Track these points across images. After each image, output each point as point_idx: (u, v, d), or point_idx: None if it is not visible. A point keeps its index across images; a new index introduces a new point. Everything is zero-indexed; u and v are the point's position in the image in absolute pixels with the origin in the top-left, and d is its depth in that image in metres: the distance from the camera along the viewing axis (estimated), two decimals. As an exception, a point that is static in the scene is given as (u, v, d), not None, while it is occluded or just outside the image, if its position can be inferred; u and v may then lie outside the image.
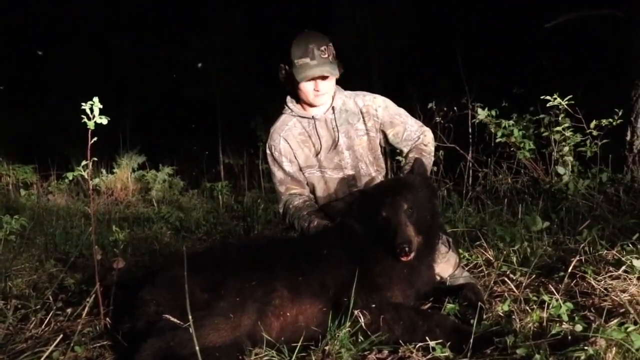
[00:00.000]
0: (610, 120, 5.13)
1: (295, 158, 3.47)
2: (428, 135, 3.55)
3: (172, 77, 14.22)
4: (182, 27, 13.67)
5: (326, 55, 3.25)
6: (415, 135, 3.50)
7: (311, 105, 3.45)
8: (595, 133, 5.18)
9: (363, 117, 3.48)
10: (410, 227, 2.57)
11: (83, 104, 2.68)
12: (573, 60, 8.58)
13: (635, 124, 5.61)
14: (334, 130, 3.45)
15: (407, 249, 2.45)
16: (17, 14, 13.73)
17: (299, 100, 3.50)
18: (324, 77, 3.29)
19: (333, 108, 3.46)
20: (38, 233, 5.57)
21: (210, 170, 12.34)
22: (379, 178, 3.54)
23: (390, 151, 3.83)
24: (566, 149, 5.27)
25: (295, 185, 3.48)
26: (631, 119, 5.62)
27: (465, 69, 7.22)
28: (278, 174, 3.51)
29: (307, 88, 3.31)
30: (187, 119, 14.64)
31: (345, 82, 3.61)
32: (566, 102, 5.15)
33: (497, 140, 5.65)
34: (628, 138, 5.66)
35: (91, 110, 2.70)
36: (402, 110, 3.57)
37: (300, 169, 3.49)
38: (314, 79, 3.26)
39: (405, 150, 3.54)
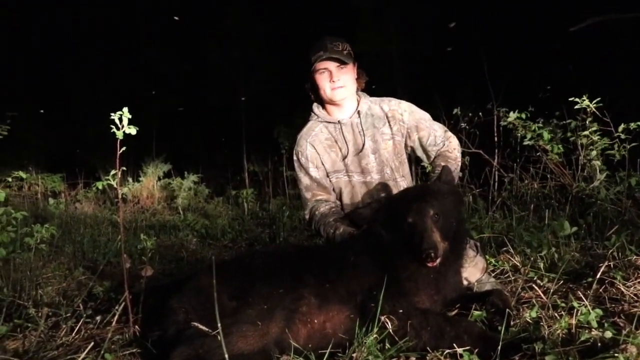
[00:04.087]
0: (639, 123, 5.05)
1: (322, 164, 3.51)
2: (453, 142, 3.55)
3: (197, 88, 14.34)
4: (205, 39, 13.79)
5: (339, 49, 3.34)
6: (440, 141, 3.51)
7: (332, 104, 3.49)
8: (623, 136, 5.11)
9: (389, 122, 3.51)
10: (437, 233, 2.57)
11: (112, 114, 2.72)
12: (599, 64, 8.50)
13: (664, 127, 5.52)
14: (360, 134, 3.48)
15: (433, 254, 2.45)
16: (44, 29, 13.97)
17: (324, 105, 3.55)
18: (340, 67, 3.37)
19: (359, 112, 3.50)
20: (67, 241, 5.63)
21: (235, 178, 12.41)
22: (403, 184, 3.54)
23: (415, 158, 3.84)
24: (594, 152, 5.20)
25: (322, 191, 3.50)
26: (659, 122, 5.53)
27: (490, 75, 7.18)
28: (304, 180, 3.54)
29: (323, 81, 3.40)
30: (212, 128, 14.75)
31: (370, 89, 3.66)
32: (594, 105, 5.10)
33: (525, 143, 5.60)
34: (657, 141, 5.57)
35: (120, 120, 2.74)
36: (427, 115, 3.58)
37: (327, 175, 3.53)
38: (326, 65, 3.36)
39: (431, 155, 3.54)
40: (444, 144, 3.51)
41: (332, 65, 3.36)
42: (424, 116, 3.56)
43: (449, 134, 3.59)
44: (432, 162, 3.56)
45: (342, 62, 3.36)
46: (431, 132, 3.51)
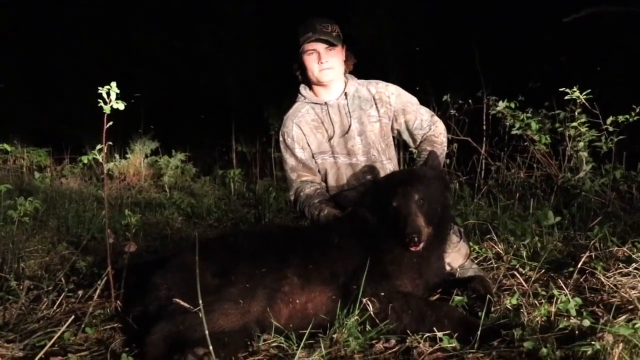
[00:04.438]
0: (627, 116, 5.08)
1: (308, 145, 3.51)
2: (439, 126, 3.56)
3: (187, 68, 14.23)
4: (195, 19, 13.66)
5: (328, 30, 3.34)
6: (426, 125, 3.52)
7: (320, 85, 3.48)
8: (611, 129, 5.14)
9: (376, 104, 3.52)
10: (421, 218, 2.57)
11: (100, 88, 2.70)
12: (590, 55, 8.52)
13: (652, 121, 5.56)
14: (347, 115, 3.49)
15: (416, 238, 2.46)
16: (30, 4, 13.81)
17: (311, 87, 3.55)
18: (329, 48, 3.36)
19: (346, 94, 3.51)
20: (51, 216, 5.60)
21: (222, 158, 12.37)
22: (389, 167, 3.55)
23: (402, 142, 3.85)
24: (581, 144, 5.23)
25: (307, 172, 3.50)
26: (647, 116, 5.58)
27: (482, 63, 7.18)
28: (290, 161, 3.53)
29: (311, 62, 3.40)
30: (201, 106, 14.66)
31: (363, 73, 3.66)
32: (584, 96, 5.12)
33: (513, 132, 5.63)
34: (643, 135, 5.61)
35: (108, 95, 2.72)
36: (414, 99, 3.60)
37: (313, 156, 3.53)
38: (315, 46, 3.35)
39: (417, 139, 3.55)
40: (430, 128, 3.52)
41: (320, 47, 3.35)
42: (411, 100, 3.56)
43: (435, 118, 3.60)
44: (418, 146, 3.57)
45: (331, 44, 3.35)
46: (417, 116, 3.52)
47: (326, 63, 3.36)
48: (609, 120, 5.17)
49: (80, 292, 3.09)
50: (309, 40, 3.31)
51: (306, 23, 3.36)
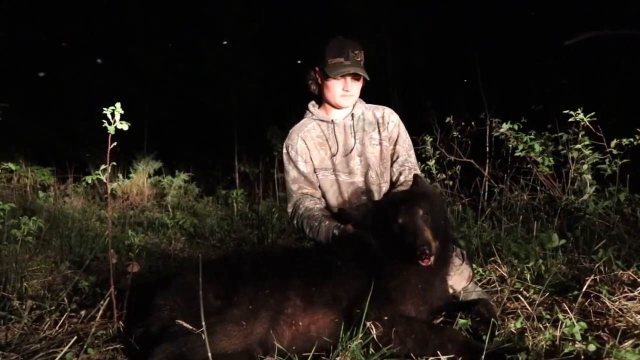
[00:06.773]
0: (631, 139, 5.08)
1: (311, 159, 3.53)
2: None
3: (190, 87, 14.27)
4: (198, 38, 13.74)
5: (359, 59, 3.39)
6: (407, 165, 3.55)
7: (335, 107, 3.53)
8: (615, 152, 5.13)
9: (379, 127, 3.56)
10: (428, 232, 2.57)
11: (105, 109, 2.71)
12: (592, 78, 8.55)
13: (656, 145, 5.56)
14: (352, 135, 3.52)
15: (427, 250, 2.44)
16: (38, 24, 13.91)
17: (321, 104, 3.60)
18: (355, 78, 3.41)
19: (352, 115, 3.55)
20: (54, 235, 5.61)
21: (225, 178, 12.37)
22: (385, 191, 3.56)
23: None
24: (585, 167, 5.23)
25: (308, 185, 3.52)
26: (651, 139, 5.58)
27: (484, 85, 7.21)
28: (292, 173, 3.55)
29: (336, 87, 3.41)
30: (205, 126, 14.69)
31: (364, 94, 3.67)
32: (588, 119, 5.12)
33: (517, 154, 5.64)
34: (647, 158, 5.61)
35: (112, 115, 2.73)
36: (410, 142, 3.65)
37: (315, 171, 3.54)
38: (346, 76, 3.37)
39: (394, 174, 3.57)
40: (410, 173, 3.52)
41: (349, 76, 3.39)
42: (406, 138, 3.63)
43: (419, 172, 3.63)
44: (393, 183, 3.58)
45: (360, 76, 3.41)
46: (404, 154, 3.57)
47: (350, 91, 3.42)
48: (613, 143, 5.17)
49: (82, 313, 3.09)
50: (343, 67, 3.32)
51: (338, 43, 3.37)
